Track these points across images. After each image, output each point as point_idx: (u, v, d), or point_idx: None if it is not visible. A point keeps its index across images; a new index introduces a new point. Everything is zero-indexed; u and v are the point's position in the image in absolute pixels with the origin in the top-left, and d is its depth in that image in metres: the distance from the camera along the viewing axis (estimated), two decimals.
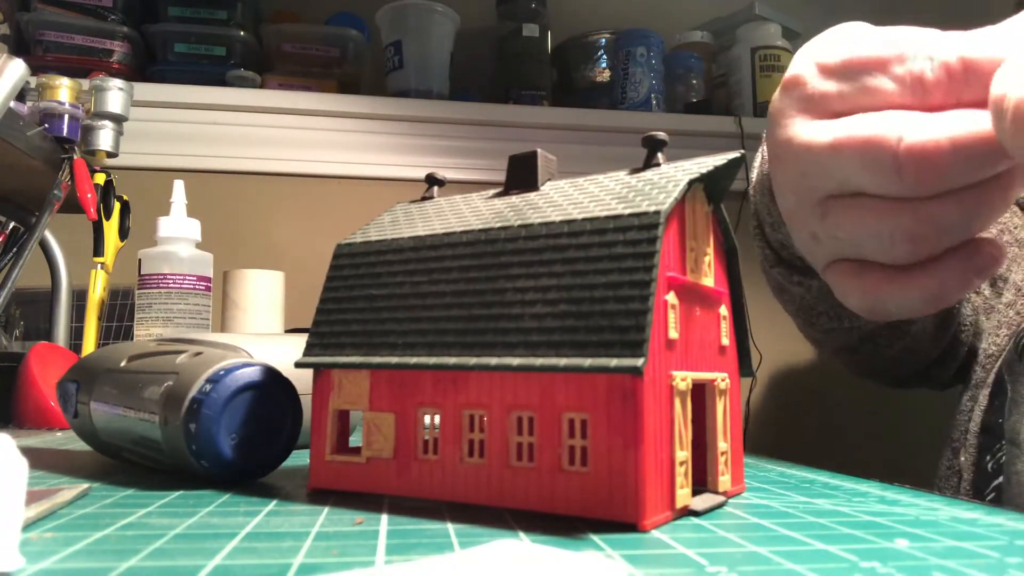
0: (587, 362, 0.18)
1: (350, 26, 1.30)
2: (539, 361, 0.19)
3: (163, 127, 1.17)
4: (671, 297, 0.20)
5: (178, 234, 0.61)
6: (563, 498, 0.19)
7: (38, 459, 0.33)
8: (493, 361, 0.20)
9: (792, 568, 0.15)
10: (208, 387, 0.25)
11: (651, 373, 0.18)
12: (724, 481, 0.22)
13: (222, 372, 0.26)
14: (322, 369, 0.24)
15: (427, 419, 0.22)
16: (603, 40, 1.35)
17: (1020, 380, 0.44)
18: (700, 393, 0.22)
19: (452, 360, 0.20)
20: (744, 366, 0.25)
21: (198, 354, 0.28)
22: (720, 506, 0.22)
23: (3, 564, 0.14)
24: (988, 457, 0.45)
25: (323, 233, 1.16)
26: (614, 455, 0.18)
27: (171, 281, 0.60)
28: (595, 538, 0.18)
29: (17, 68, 0.59)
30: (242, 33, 1.24)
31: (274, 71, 1.26)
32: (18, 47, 1.15)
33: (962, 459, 0.48)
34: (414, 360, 0.21)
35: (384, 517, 0.20)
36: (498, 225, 0.21)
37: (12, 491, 0.14)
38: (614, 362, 0.18)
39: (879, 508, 0.23)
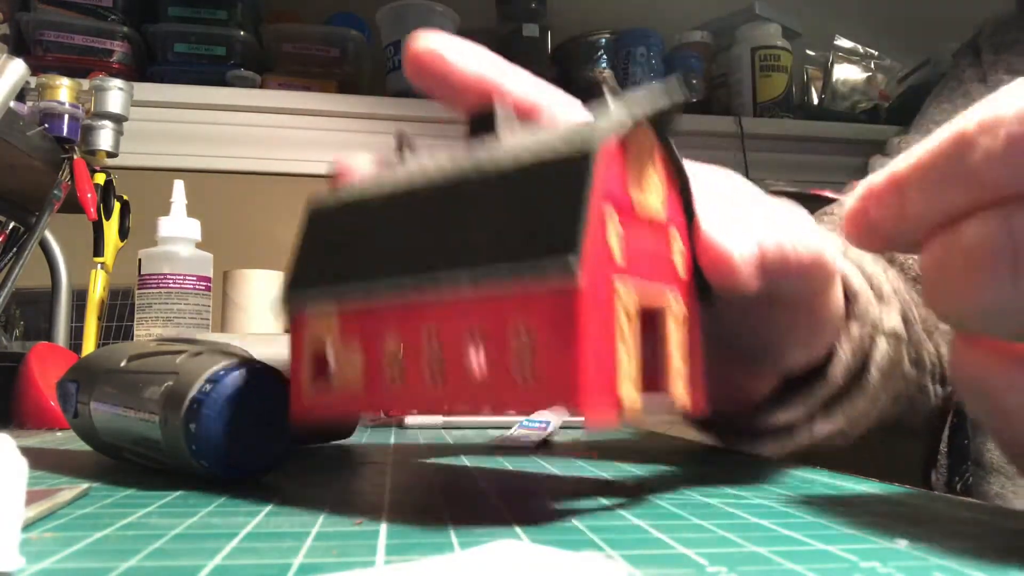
0: (527, 272, 0.19)
1: (350, 26, 1.30)
2: (484, 277, 0.20)
3: (163, 127, 1.17)
4: (611, 216, 0.20)
5: (178, 234, 0.61)
6: (515, 399, 0.20)
7: (38, 459, 0.33)
8: (443, 282, 0.21)
9: (792, 568, 0.15)
10: (208, 387, 0.25)
11: (591, 278, 0.19)
12: (680, 396, 0.23)
13: (222, 372, 0.26)
14: (296, 312, 0.25)
15: (391, 346, 0.22)
16: (603, 40, 1.35)
17: None
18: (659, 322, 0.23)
19: (408, 287, 0.21)
20: (704, 295, 0.25)
21: (198, 354, 0.28)
22: (675, 415, 0.22)
23: (3, 564, 0.14)
24: (957, 478, 0.46)
25: None
26: (556, 353, 0.19)
27: (171, 281, 0.60)
28: (595, 538, 0.18)
29: (17, 68, 0.59)
30: (242, 33, 1.24)
31: (274, 71, 1.26)
32: (18, 47, 1.15)
33: (933, 478, 0.49)
34: (374, 292, 0.22)
35: (384, 517, 0.20)
36: (451, 166, 0.22)
37: (12, 491, 0.14)
38: (551, 267, 0.19)
39: (879, 508, 0.23)
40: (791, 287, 0.27)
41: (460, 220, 0.21)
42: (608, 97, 0.22)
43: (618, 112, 0.21)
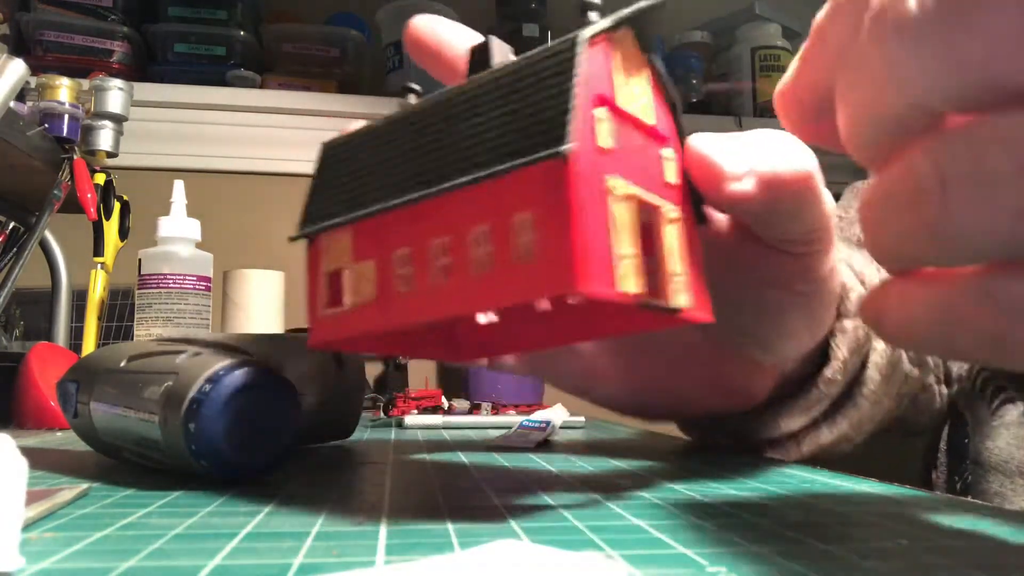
0: (523, 160, 0.20)
1: (350, 26, 1.30)
2: (484, 171, 0.20)
3: (163, 127, 1.17)
4: (601, 111, 0.21)
5: (178, 234, 0.61)
6: (517, 288, 0.20)
7: (38, 459, 0.33)
8: (447, 183, 0.21)
9: (792, 568, 0.15)
10: (208, 387, 0.25)
11: (583, 166, 0.19)
12: (679, 299, 0.23)
13: (222, 372, 0.26)
14: (313, 238, 0.25)
15: (401, 255, 0.23)
16: None
17: (977, 405, 0.46)
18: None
19: (415, 195, 0.22)
20: (698, 213, 0.25)
21: (198, 354, 0.28)
22: (672, 312, 0.22)
23: (3, 564, 0.14)
24: (957, 477, 0.47)
25: None
26: (553, 236, 0.19)
27: (171, 281, 0.60)
28: (595, 538, 0.18)
29: (17, 68, 0.59)
30: (242, 33, 1.24)
31: (274, 71, 1.26)
32: (18, 47, 1.15)
33: (933, 477, 0.49)
34: (381, 206, 0.23)
35: (384, 517, 0.20)
36: (454, 87, 0.23)
37: (12, 491, 0.14)
38: (544, 152, 0.19)
39: (879, 508, 0.23)
40: (782, 220, 0.27)
41: (459, 129, 0.22)
42: (593, 16, 0.23)
43: (602, 20, 0.22)
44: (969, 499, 0.25)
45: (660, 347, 0.34)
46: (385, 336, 0.25)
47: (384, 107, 1.19)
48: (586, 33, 0.21)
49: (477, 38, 0.28)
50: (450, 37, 0.29)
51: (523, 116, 0.21)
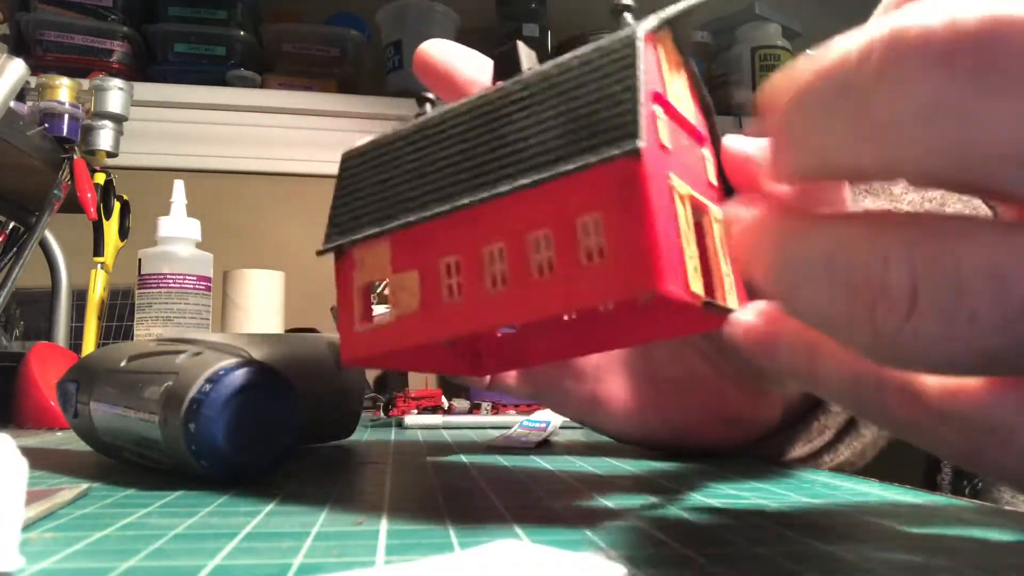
0: (592, 159, 0.19)
1: (350, 26, 1.30)
2: (547, 172, 0.20)
3: (163, 127, 1.17)
4: (658, 109, 0.21)
5: (178, 234, 0.61)
6: (586, 291, 0.19)
7: (38, 459, 0.33)
8: (504, 187, 0.20)
9: (792, 568, 0.15)
10: (208, 387, 0.25)
11: (651, 165, 0.19)
12: (731, 299, 0.22)
13: (222, 372, 0.26)
14: (344, 250, 0.24)
15: (449, 263, 0.22)
16: None
17: None
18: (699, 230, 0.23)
19: (465, 200, 0.21)
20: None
21: (198, 354, 0.28)
22: (729, 312, 0.22)
23: (3, 564, 0.14)
24: (965, 482, 0.46)
25: (323, 233, 1.16)
26: (626, 236, 0.19)
27: (171, 281, 0.60)
28: (595, 538, 0.18)
29: (17, 68, 0.59)
30: (242, 33, 1.24)
31: (274, 71, 1.26)
32: (18, 47, 1.15)
33: (938, 479, 0.49)
34: (428, 212, 0.22)
35: (384, 517, 0.20)
36: (492, 90, 0.22)
37: (12, 491, 0.14)
38: (616, 150, 0.19)
39: (880, 508, 0.23)
40: None
41: (508, 131, 0.21)
42: (628, 17, 0.22)
43: (649, 19, 0.22)
44: (970, 500, 0.25)
45: (664, 374, 0.34)
46: (417, 351, 0.25)
47: (384, 107, 1.19)
48: (642, 29, 0.20)
49: (487, 61, 0.28)
50: (461, 60, 0.29)
51: (583, 115, 0.20)
